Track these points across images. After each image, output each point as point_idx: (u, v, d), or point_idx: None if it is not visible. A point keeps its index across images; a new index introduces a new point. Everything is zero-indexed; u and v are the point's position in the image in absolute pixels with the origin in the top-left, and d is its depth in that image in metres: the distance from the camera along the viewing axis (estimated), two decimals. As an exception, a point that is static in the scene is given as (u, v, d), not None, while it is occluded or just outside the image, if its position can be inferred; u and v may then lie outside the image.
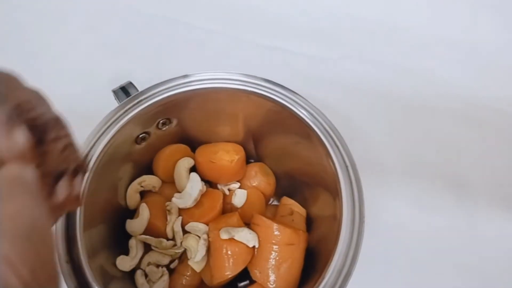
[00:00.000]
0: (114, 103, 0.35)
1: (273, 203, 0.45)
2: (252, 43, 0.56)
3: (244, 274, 0.36)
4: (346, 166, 0.32)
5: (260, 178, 0.42)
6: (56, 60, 0.54)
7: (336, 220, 0.33)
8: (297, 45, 0.56)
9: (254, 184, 0.42)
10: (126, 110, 0.34)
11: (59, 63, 0.54)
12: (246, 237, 0.33)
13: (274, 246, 0.33)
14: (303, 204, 0.41)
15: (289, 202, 0.41)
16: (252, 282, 0.41)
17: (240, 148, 0.42)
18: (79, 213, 0.30)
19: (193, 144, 0.42)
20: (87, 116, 0.35)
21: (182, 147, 0.40)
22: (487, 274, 0.42)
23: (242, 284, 0.41)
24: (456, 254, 0.43)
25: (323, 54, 0.56)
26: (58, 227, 0.30)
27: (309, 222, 0.40)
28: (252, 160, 0.45)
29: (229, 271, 0.32)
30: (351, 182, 0.31)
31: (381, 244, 0.42)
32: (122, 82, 0.36)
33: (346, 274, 0.28)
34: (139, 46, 0.56)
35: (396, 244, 0.43)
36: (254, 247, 0.33)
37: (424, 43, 0.57)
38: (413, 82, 0.53)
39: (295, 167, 0.42)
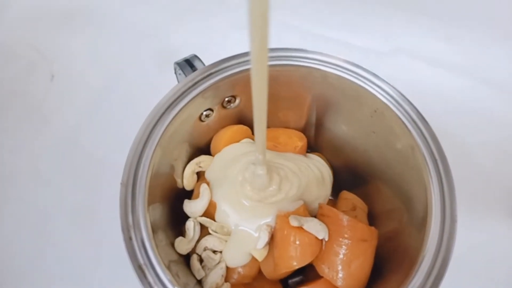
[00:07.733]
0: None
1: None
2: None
3: (296, 271, 0.33)
4: (436, 160, 0.29)
5: (320, 169, 0.39)
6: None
7: (412, 218, 0.30)
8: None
9: (313, 175, 0.39)
10: (196, 83, 0.32)
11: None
12: (316, 227, 0.30)
13: (346, 241, 0.30)
14: (363, 199, 0.38)
15: (350, 197, 0.38)
16: (304, 279, 0.38)
17: (302, 135, 0.39)
18: (144, 184, 0.28)
19: (250, 127, 0.40)
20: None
21: (244, 128, 0.38)
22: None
23: (293, 280, 0.38)
24: None
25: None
26: (121, 199, 0.27)
27: (370, 219, 0.38)
28: (309, 150, 0.43)
29: (295, 261, 0.29)
30: (441, 177, 0.28)
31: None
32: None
33: (435, 278, 0.26)
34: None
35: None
36: (323, 240, 0.31)
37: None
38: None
39: (359, 159, 0.39)
